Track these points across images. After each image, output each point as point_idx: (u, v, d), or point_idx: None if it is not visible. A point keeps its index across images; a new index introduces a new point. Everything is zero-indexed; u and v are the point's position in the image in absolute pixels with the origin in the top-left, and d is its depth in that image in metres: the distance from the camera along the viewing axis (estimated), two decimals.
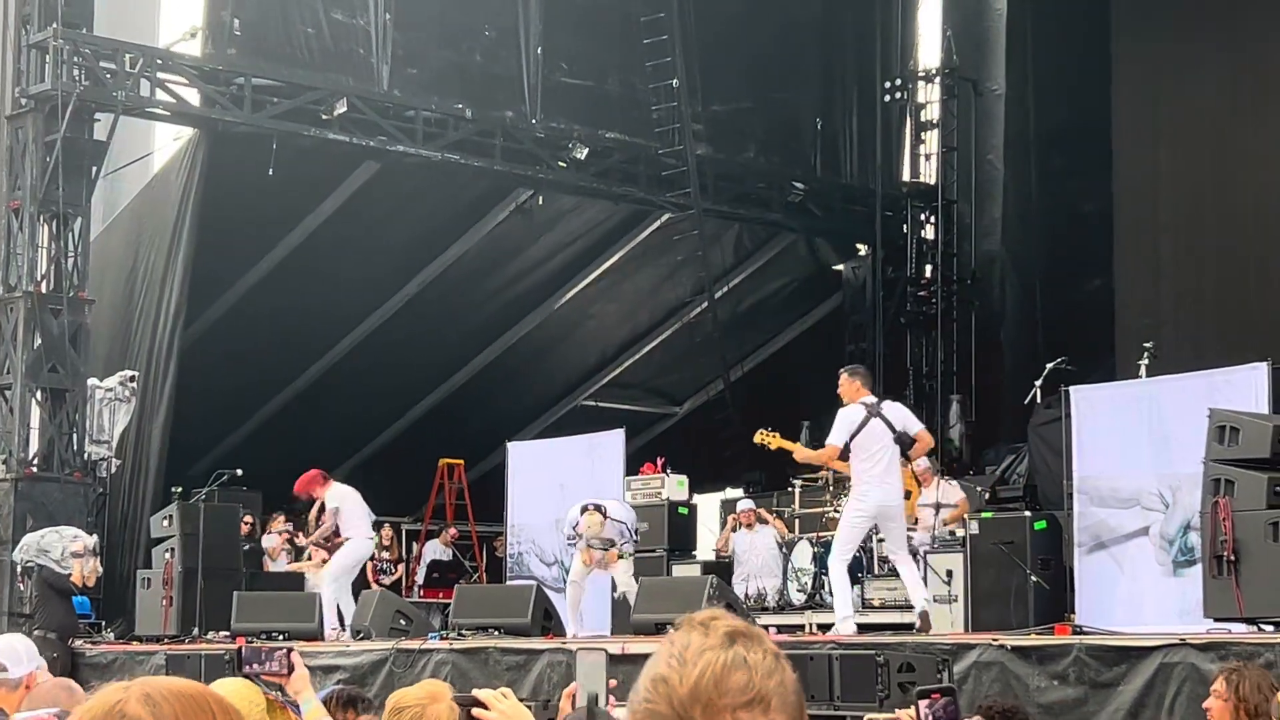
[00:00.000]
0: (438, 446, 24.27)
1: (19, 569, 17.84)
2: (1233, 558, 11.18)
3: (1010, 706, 7.43)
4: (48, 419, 19.06)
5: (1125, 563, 15.01)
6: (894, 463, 13.54)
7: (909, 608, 16.49)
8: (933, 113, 25.24)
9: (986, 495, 18.44)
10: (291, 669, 5.14)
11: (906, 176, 25.56)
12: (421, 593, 22.33)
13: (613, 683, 4.25)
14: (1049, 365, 17.10)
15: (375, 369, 23.84)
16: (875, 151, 25.29)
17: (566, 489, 18.55)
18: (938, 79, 25.09)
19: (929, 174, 25.36)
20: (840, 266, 25.77)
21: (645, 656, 2.31)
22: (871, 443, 13.58)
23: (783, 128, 24.85)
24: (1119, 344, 21.14)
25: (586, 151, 22.23)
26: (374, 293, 23.57)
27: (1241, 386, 14.09)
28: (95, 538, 18.05)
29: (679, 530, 18.78)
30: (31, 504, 18.65)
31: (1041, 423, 17.86)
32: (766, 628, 15.37)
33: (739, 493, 23.76)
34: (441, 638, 15.14)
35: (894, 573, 17.51)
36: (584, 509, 15.65)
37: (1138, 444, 14.98)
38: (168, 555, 17.85)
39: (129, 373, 19.88)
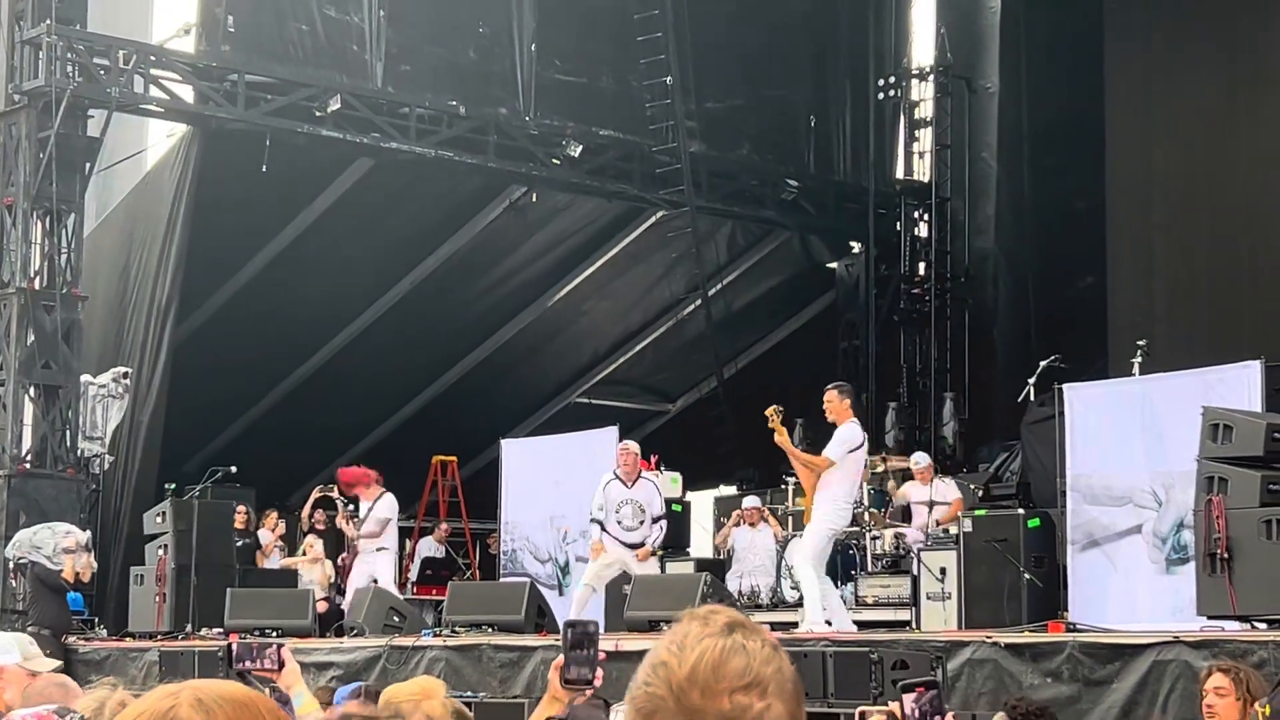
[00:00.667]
0: (431, 443, 24.29)
1: (11, 565, 17.84)
2: (1226, 555, 11.19)
3: (1039, 707, 7.39)
4: (41, 415, 19.05)
5: (1118, 560, 15.03)
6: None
7: (903, 605, 16.56)
8: (926, 110, 25.25)
9: (980, 493, 18.47)
10: (282, 664, 5.16)
11: (900, 174, 25.57)
12: (415, 590, 22.32)
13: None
14: (1042, 363, 17.10)
15: (369, 365, 23.84)
16: (869, 149, 25.30)
17: (560, 486, 18.57)
18: (931, 76, 25.09)
19: (922, 171, 25.36)
20: (834, 264, 25.77)
21: (639, 654, 2.33)
22: (856, 465, 14.12)
23: (776, 125, 24.86)
24: (1112, 342, 21.15)
25: (580, 148, 22.23)
26: (368, 289, 23.58)
27: (1235, 384, 14.10)
28: (88, 533, 18.06)
29: (672, 527, 18.75)
30: (25, 500, 18.65)
31: (1034, 420, 17.88)
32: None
33: (732, 490, 23.79)
34: (435, 635, 15.14)
35: (887, 570, 17.59)
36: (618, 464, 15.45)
37: (1131, 442, 15.00)
38: (161, 552, 17.84)
39: (122, 369, 19.87)
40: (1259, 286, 20.90)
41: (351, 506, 18.21)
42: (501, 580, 19.37)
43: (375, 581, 16.91)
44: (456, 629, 15.02)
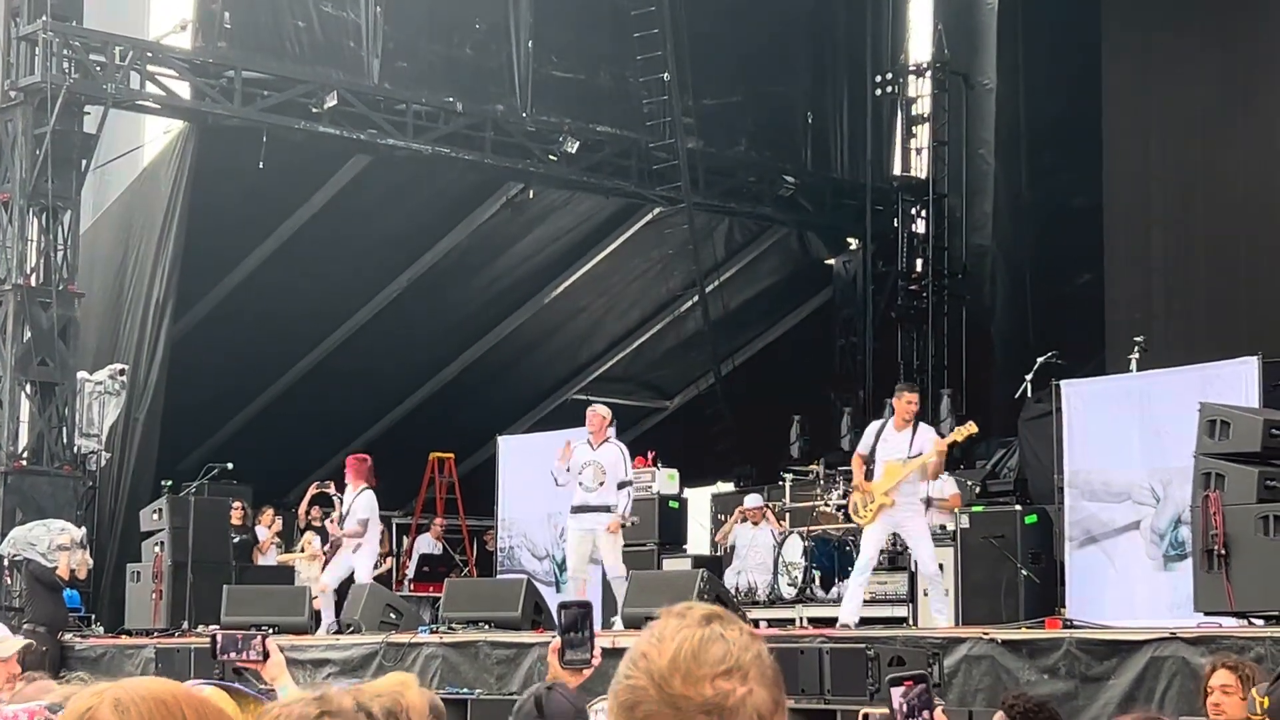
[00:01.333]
0: (428, 440, 24.27)
1: (6, 563, 17.82)
2: (1223, 552, 11.19)
3: (1038, 703, 7.36)
4: (37, 412, 19.03)
5: (1116, 557, 15.03)
6: None
7: (900, 601, 16.54)
8: (923, 107, 25.23)
9: (977, 489, 18.44)
10: (267, 655, 5.14)
11: (897, 170, 25.55)
12: (412, 586, 22.32)
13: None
14: (1039, 359, 17.10)
15: (366, 362, 23.83)
16: (866, 145, 25.28)
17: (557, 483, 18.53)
18: (929, 73, 25.07)
19: (920, 168, 25.34)
20: (831, 261, 25.76)
21: None
22: None
23: (773, 122, 24.84)
24: (1109, 338, 21.14)
25: (577, 145, 22.21)
26: (365, 286, 23.56)
27: (1232, 380, 14.11)
28: (83, 530, 18.03)
29: (670, 524, 18.78)
30: (21, 498, 18.63)
31: (1032, 417, 17.87)
32: (757, 622, 15.41)
33: (730, 486, 23.78)
34: (431, 631, 15.14)
35: (884, 567, 17.58)
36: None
37: (1128, 438, 15.00)
38: (157, 549, 17.84)
39: (118, 366, 19.85)
40: (1256, 283, 20.89)
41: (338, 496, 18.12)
42: (498, 577, 19.37)
43: (353, 577, 16.92)
44: (453, 626, 15.02)
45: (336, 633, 16.11)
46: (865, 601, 17.10)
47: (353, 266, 22.84)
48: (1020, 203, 24.27)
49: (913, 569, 15.94)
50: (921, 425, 14.20)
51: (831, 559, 18.02)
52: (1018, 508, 15.98)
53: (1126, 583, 14.83)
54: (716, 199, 24.00)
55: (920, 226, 25.34)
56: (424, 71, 21.54)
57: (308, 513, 20.02)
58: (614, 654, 4.38)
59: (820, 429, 23.90)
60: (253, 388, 23.89)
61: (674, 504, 18.87)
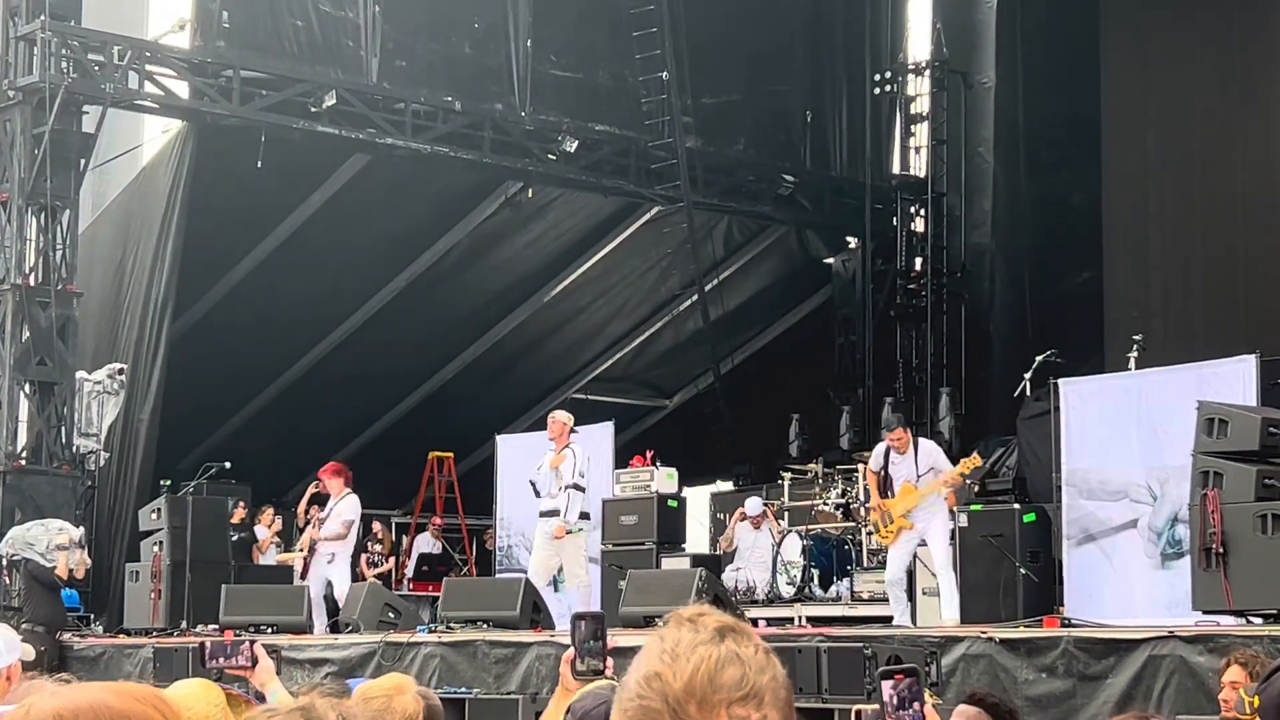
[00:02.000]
0: (427, 439, 24.27)
1: (4, 562, 17.82)
2: (1221, 550, 11.19)
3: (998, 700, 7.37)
4: (36, 412, 19.03)
5: (1114, 555, 15.02)
6: None
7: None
8: (922, 105, 25.23)
9: (975, 488, 18.43)
10: (255, 661, 5.14)
11: (896, 169, 25.55)
12: (411, 586, 22.32)
13: None
14: (1038, 358, 17.09)
15: (365, 361, 23.82)
16: (865, 144, 25.28)
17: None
18: (927, 71, 25.07)
19: (918, 167, 25.34)
20: (830, 259, 25.76)
21: (634, 649, 2.31)
22: None
23: (772, 120, 24.84)
24: (1108, 336, 21.15)
25: (576, 144, 22.20)
26: (363, 285, 23.55)
27: (1230, 379, 14.10)
28: (81, 530, 18.03)
29: (668, 523, 18.75)
30: (20, 497, 18.63)
31: (1030, 415, 17.86)
32: (755, 621, 15.40)
33: (729, 485, 23.78)
34: (430, 630, 15.13)
35: (883, 566, 17.58)
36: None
37: (1126, 436, 14.99)
38: (156, 548, 17.83)
39: (117, 365, 19.85)
40: (1255, 281, 20.90)
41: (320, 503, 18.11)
42: (497, 576, 19.36)
43: (330, 584, 16.91)
44: (452, 625, 15.02)
45: (335, 632, 16.11)
46: (863, 600, 17.18)
47: (352, 265, 22.83)
48: (1019, 201, 24.27)
49: (910, 568, 15.95)
50: (921, 442, 14.68)
51: (830, 558, 18.03)
52: (1016, 506, 15.95)
53: (1125, 581, 14.83)
54: (715, 198, 24.00)
55: (919, 225, 25.34)
56: (422, 71, 21.54)
57: (306, 512, 20.00)
58: (613, 652, 4.38)
59: (819, 428, 23.90)
60: (251, 387, 23.89)
61: (673, 503, 18.85)
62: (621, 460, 19.44)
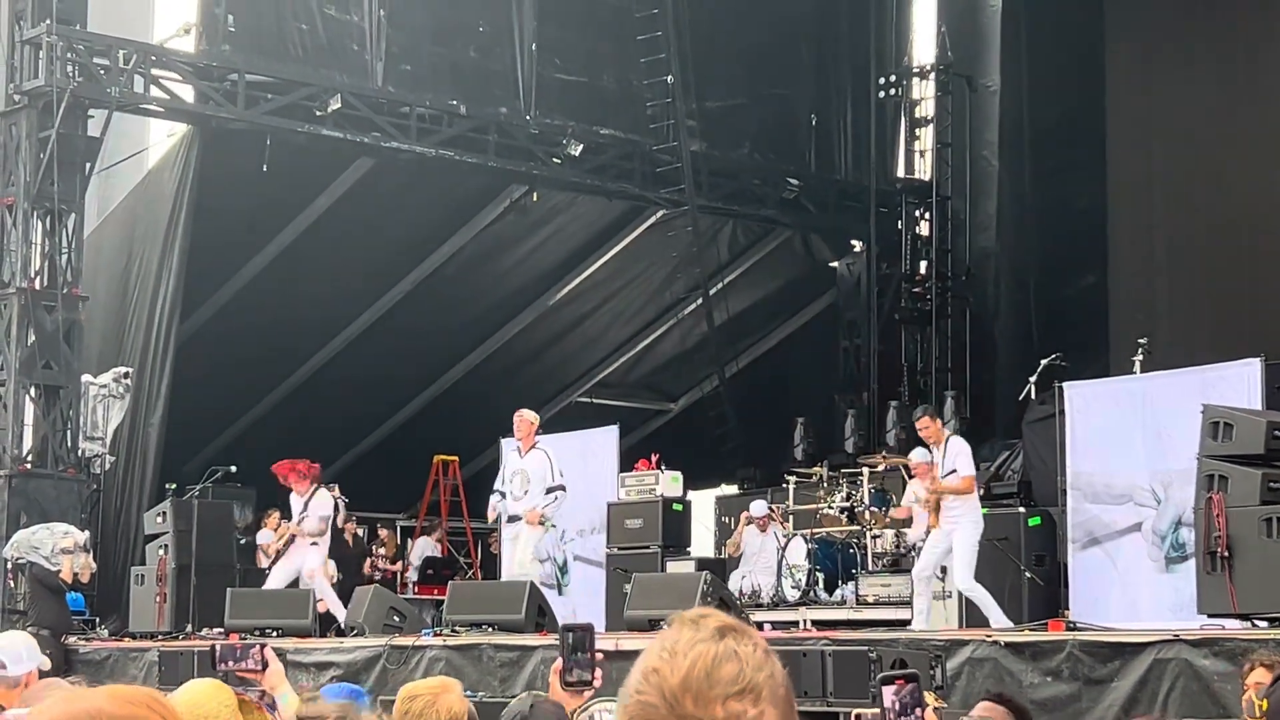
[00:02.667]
0: (432, 443, 24.29)
1: (10, 566, 17.83)
2: (1226, 554, 11.19)
3: (1021, 703, 7.36)
4: (41, 416, 19.05)
5: (1118, 559, 15.03)
6: None
7: (904, 604, 16.54)
8: (927, 109, 25.23)
9: (981, 491, 18.43)
10: (265, 665, 5.16)
11: (901, 173, 25.55)
12: (416, 589, 22.32)
13: None
14: (1043, 361, 17.10)
15: (369, 365, 23.83)
16: (870, 148, 25.29)
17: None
18: (932, 75, 25.07)
19: (923, 170, 25.34)
20: (835, 263, 25.75)
21: (638, 653, 2.32)
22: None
23: (777, 124, 24.85)
24: (1113, 340, 21.15)
25: (581, 148, 22.22)
26: (368, 289, 23.57)
27: (1235, 382, 14.11)
28: (86, 533, 18.04)
29: (673, 526, 18.77)
30: (25, 501, 18.64)
31: (1035, 419, 17.88)
32: (760, 624, 15.40)
33: (734, 489, 23.78)
34: (435, 634, 15.13)
35: (888, 569, 17.58)
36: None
37: (1131, 440, 15.00)
38: (161, 552, 17.84)
39: (123, 369, 19.86)
40: (1259, 285, 20.90)
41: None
42: (502, 580, 19.36)
43: (301, 573, 17.02)
44: (456, 628, 15.01)
45: (339, 635, 16.12)
46: (868, 604, 17.14)
47: (357, 269, 22.85)
48: (1024, 205, 24.27)
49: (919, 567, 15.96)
50: (952, 441, 14.44)
51: (835, 561, 18.03)
52: (1021, 510, 15.98)
53: (1129, 585, 14.83)
54: (720, 201, 24.01)
55: (924, 228, 25.34)
56: (427, 74, 21.55)
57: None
58: (618, 656, 4.39)
59: (824, 432, 23.89)
60: (257, 391, 23.90)
61: (678, 506, 18.87)
62: (626, 464, 19.44)
